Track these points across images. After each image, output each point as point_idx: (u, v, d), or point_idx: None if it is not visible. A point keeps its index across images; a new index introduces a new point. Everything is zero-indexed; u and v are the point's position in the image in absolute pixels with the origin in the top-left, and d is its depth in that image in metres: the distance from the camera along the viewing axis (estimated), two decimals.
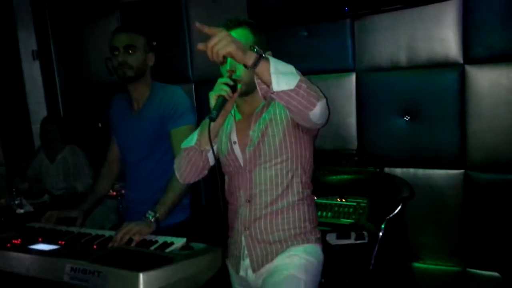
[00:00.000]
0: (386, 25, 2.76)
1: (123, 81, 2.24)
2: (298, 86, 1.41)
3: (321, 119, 1.55)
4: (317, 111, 1.48)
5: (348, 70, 2.91)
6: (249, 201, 1.72)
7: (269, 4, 2.86)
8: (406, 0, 2.54)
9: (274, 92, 1.41)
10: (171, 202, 2.00)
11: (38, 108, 4.06)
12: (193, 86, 3.46)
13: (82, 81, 4.00)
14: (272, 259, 1.69)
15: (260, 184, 1.70)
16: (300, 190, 1.72)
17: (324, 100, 1.50)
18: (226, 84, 1.51)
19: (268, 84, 1.42)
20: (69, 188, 3.54)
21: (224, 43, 1.35)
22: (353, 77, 2.90)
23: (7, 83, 4.04)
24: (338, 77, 2.93)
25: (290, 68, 1.45)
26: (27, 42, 4.02)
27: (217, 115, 1.49)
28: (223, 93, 1.50)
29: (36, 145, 3.95)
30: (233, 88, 1.52)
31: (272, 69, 1.40)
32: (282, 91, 1.41)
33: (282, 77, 1.40)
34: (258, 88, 1.60)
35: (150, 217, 1.91)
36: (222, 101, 1.50)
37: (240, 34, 1.66)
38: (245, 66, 1.41)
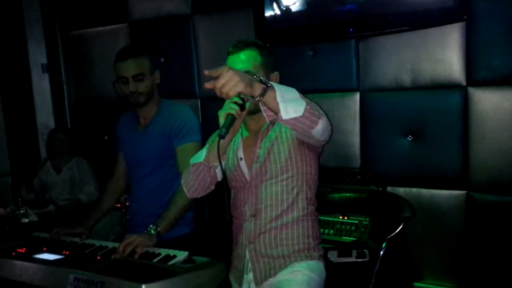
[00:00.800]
0: (391, 46, 2.79)
1: (135, 107, 2.30)
2: (304, 110, 1.46)
3: (323, 135, 1.59)
4: (319, 128, 1.53)
5: (352, 90, 2.94)
6: (254, 215, 1.75)
7: (276, 26, 2.91)
8: (411, 23, 2.58)
9: (282, 119, 1.45)
10: (173, 216, 2.03)
11: (46, 120, 4.10)
12: (199, 102, 3.50)
13: (89, 95, 4.06)
14: (275, 274, 1.71)
15: (266, 199, 1.73)
16: (305, 206, 1.76)
17: (325, 117, 1.55)
18: (235, 103, 1.54)
19: (276, 112, 1.46)
20: (74, 199, 3.57)
21: (233, 84, 1.37)
22: (357, 96, 2.93)
23: (16, 95, 4.10)
24: (342, 96, 2.96)
25: (294, 93, 1.49)
26: (37, 56, 4.08)
27: (226, 133, 1.53)
28: (232, 112, 1.53)
29: (42, 156, 3.98)
30: (242, 107, 1.56)
31: (278, 98, 1.44)
32: (290, 118, 1.45)
33: (289, 105, 1.45)
34: (264, 115, 1.63)
35: (152, 231, 1.95)
36: (231, 119, 1.54)
37: (249, 55, 1.71)
38: (252, 97, 1.45)
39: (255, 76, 1.47)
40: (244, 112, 1.59)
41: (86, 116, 4.11)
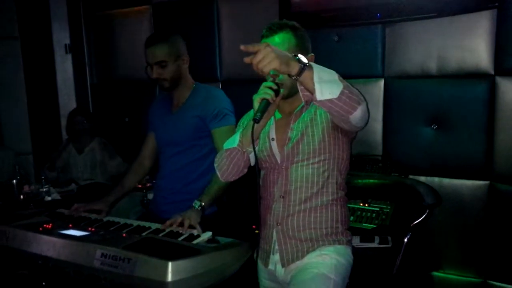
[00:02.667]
0: (418, 32, 2.75)
1: (163, 90, 2.36)
2: (341, 93, 1.44)
3: (360, 122, 1.57)
4: (357, 115, 1.51)
5: (376, 76, 2.91)
6: (283, 197, 1.75)
7: (301, 9, 2.88)
8: (440, 9, 2.53)
9: (317, 100, 1.44)
10: (215, 193, 2.09)
11: (68, 101, 4.15)
12: (220, 86, 3.49)
13: (111, 76, 4.09)
14: (302, 257, 1.71)
15: (296, 181, 1.73)
16: (335, 190, 1.75)
17: (365, 104, 1.53)
18: (270, 88, 1.54)
19: (312, 92, 1.45)
20: (95, 180, 3.61)
21: (268, 60, 1.38)
22: (381, 83, 2.90)
23: (39, 75, 4.14)
24: (366, 83, 2.93)
25: (332, 75, 1.47)
26: (61, 36, 4.11)
27: (261, 118, 1.52)
28: (267, 97, 1.53)
29: (63, 136, 4.02)
30: (277, 92, 1.55)
31: (315, 78, 1.42)
32: (326, 99, 1.44)
33: (325, 86, 1.43)
34: (301, 94, 1.62)
35: (196, 206, 2.00)
36: (266, 104, 1.53)
37: (283, 38, 1.70)
38: (289, 75, 1.44)
39: (294, 55, 1.45)
40: (279, 98, 1.58)
41: (108, 97, 4.14)
